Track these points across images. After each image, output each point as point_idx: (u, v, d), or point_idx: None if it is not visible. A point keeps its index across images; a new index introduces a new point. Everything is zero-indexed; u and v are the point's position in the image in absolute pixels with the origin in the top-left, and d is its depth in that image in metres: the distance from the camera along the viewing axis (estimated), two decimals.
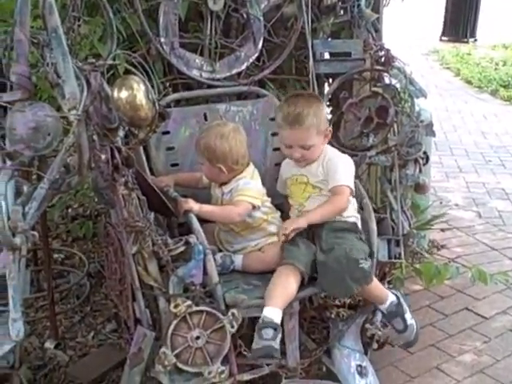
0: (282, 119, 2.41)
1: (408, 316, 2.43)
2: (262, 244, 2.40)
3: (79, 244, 3.41)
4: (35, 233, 1.72)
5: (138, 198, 2.01)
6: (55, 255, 3.36)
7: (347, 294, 2.35)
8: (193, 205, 2.24)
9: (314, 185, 2.43)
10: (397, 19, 12.65)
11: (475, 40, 11.05)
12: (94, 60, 1.87)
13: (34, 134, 1.71)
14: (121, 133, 1.99)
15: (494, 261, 3.59)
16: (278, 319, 2.13)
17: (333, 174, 2.40)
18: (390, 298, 2.41)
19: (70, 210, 3.58)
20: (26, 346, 2.66)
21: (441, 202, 4.32)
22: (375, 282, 2.35)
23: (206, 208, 2.31)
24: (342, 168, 2.41)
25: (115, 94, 1.83)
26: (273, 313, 2.13)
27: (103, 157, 1.79)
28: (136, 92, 1.83)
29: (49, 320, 2.70)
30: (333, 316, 2.81)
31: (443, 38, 11.29)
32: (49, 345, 2.64)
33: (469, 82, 8.35)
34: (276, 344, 2.09)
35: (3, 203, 1.62)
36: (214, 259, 2.27)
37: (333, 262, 2.24)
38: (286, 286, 2.18)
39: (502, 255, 3.66)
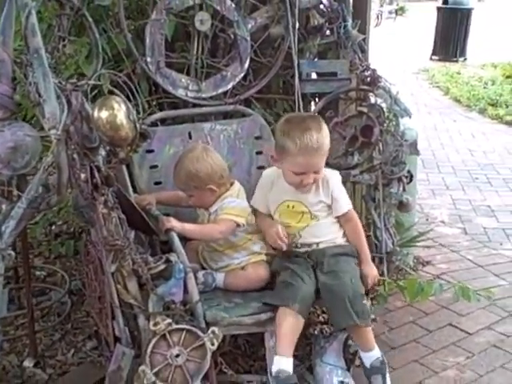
0: (299, 148, 2.25)
1: (388, 379, 2.33)
2: (245, 263, 2.40)
3: (62, 261, 3.39)
4: (11, 252, 1.72)
5: (118, 217, 2.01)
6: (37, 272, 3.34)
7: (348, 324, 2.23)
8: (174, 223, 2.25)
9: (314, 214, 2.38)
10: (388, 39, 12.86)
11: (465, 59, 11.17)
12: (75, 80, 1.88)
13: (13, 153, 1.72)
14: (102, 152, 2.01)
15: (479, 277, 3.59)
16: (291, 369, 2.16)
17: (340, 198, 2.40)
18: (377, 351, 2.32)
19: (53, 228, 3.56)
20: (5, 364, 2.64)
21: (427, 219, 4.34)
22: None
23: (188, 226, 2.32)
24: (342, 188, 2.45)
25: (95, 113, 1.84)
26: (287, 364, 2.16)
27: (83, 176, 1.80)
28: (117, 112, 1.84)
29: (28, 338, 2.68)
30: (316, 332, 2.80)
31: (433, 58, 11.41)
32: (28, 363, 2.61)
33: (458, 101, 8.41)
34: None
35: None
36: (196, 277, 2.30)
37: (338, 288, 2.24)
38: (292, 332, 2.19)
39: (487, 271, 3.67)
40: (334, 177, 2.44)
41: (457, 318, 3.16)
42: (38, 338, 2.82)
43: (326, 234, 2.39)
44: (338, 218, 2.40)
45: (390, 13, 17.05)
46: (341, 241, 2.41)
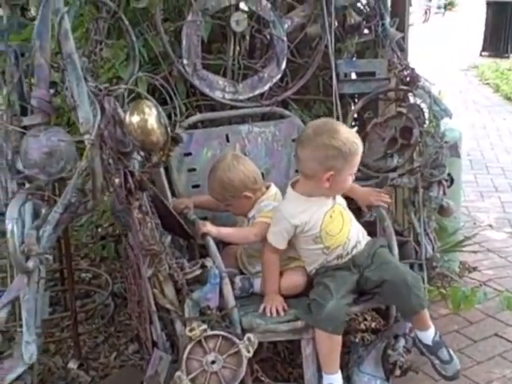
0: (345, 151, 2.14)
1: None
2: (282, 268, 2.35)
3: (107, 264, 3.43)
4: (49, 256, 1.74)
5: (154, 222, 2.01)
6: (82, 275, 3.40)
7: (422, 307, 2.19)
8: (210, 228, 2.24)
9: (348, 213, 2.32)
10: (437, 35, 12.65)
11: None
12: (108, 84, 1.88)
13: (48, 158, 1.74)
14: (138, 157, 2.01)
15: None
16: (341, 382, 2.17)
17: None
18: (433, 328, 2.30)
19: (99, 230, 3.60)
20: (50, 365, 2.69)
21: (474, 223, 4.22)
22: None
23: (224, 230, 2.31)
24: None
25: (127, 118, 1.84)
26: (336, 380, 2.16)
27: (116, 181, 1.80)
28: (147, 116, 1.84)
29: (72, 340, 2.72)
30: (357, 340, 2.75)
31: (483, 54, 11.16)
32: (72, 365, 2.65)
33: (508, 99, 8.20)
34: None
35: (15, 227, 1.65)
36: (234, 282, 2.28)
37: (397, 277, 2.18)
38: (332, 351, 2.17)
39: None
40: None
41: (503, 328, 3.05)
42: (82, 340, 2.87)
43: (358, 231, 2.33)
44: None
45: (439, 8, 16.78)
46: (367, 236, 2.36)
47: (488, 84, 9.12)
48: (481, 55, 11.16)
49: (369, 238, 2.36)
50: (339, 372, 2.19)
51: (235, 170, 2.37)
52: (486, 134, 6.62)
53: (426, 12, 14.41)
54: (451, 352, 2.29)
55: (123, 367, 2.73)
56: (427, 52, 10.67)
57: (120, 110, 1.89)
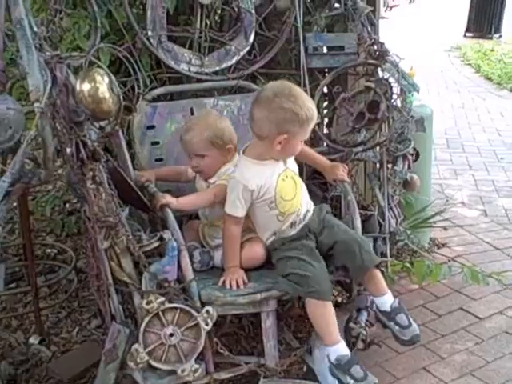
0: (292, 117, 2.13)
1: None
2: (242, 239, 2.34)
3: (73, 240, 3.40)
4: None
5: (111, 194, 1.98)
6: (48, 250, 3.37)
7: (374, 263, 2.23)
8: (170, 199, 2.22)
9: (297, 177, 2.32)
10: (422, 16, 12.60)
11: (500, 36, 10.82)
12: (58, 52, 1.84)
13: None
14: (94, 127, 1.98)
15: (496, 260, 3.49)
16: (348, 351, 2.15)
17: None
18: (390, 294, 2.30)
19: (67, 205, 3.56)
20: (11, 340, 2.67)
21: (447, 200, 4.22)
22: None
23: (183, 199, 2.29)
24: None
25: (77, 86, 1.80)
26: (343, 348, 2.14)
27: (68, 150, 1.77)
28: (98, 84, 1.80)
29: (34, 315, 2.70)
30: None
31: (467, 35, 11.10)
32: (33, 340, 2.63)
33: (489, 79, 8.17)
34: (371, 375, 2.12)
35: None
36: (193, 255, 2.27)
37: (347, 236, 2.24)
38: (330, 319, 2.16)
39: (505, 254, 3.55)
40: None
41: (469, 302, 3.07)
42: (45, 316, 2.85)
43: (307, 199, 2.35)
44: None
45: None
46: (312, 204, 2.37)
47: (470, 64, 9.08)
48: (465, 36, 11.10)
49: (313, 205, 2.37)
50: (343, 341, 2.17)
51: (225, 121, 2.41)
52: (465, 113, 6.62)
53: None
54: (411, 319, 2.28)
55: (85, 342, 2.71)
56: (412, 33, 10.66)
57: (72, 79, 1.84)
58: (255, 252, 2.31)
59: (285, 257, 2.23)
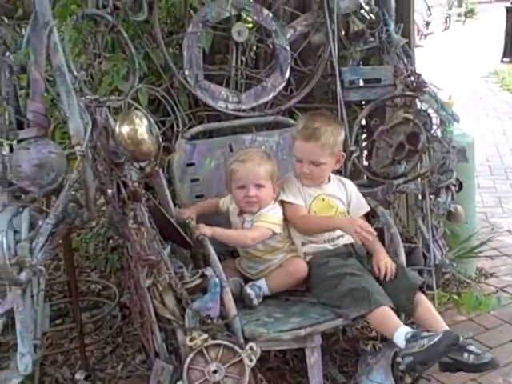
0: (298, 131, 2.44)
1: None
2: (282, 261, 2.40)
3: (117, 276, 3.43)
4: (42, 268, 1.74)
5: (152, 232, 2.01)
6: (92, 286, 3.40)
7: (416, 283, 2.27)
8: (204, 229, 2.26)
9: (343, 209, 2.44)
10: (458, 43, 12.56)
11: None
12: (97, 96, 1.89)
13: (38, 170, 1.75)
14: (134, 168, 2.01)
15: None
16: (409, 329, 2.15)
17: (360, 198, 2.50)
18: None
19: (110, 242, 3.61)
20: (57, 376, 2.69)
21: (492, 229, 4.13)
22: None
23: (219, 231, 2.32)
24: (359, 192, 2.52)
25: (117, 128, 1.85)
26: (407, 328, 2.14)
27: (109, 192, 1.80)
28: (137, 127, 1.83)
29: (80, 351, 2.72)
30: (368, 348, 2.71)
31: (504, 60, 11.03)
32: (79, 376, 2.65)
33: None
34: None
35: (4, 240, 1.65)
36: (248, 293, 2.29)
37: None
38: (390, 315, 2.18)
39: None
40: (349, 182, 2.56)
41: None
42: (90, 351, 2.87)
43: None
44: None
45: (459, 15, 16.65)
46: None
47: (508, 90, 9.01)
48: (502, 61, 11.03)
49: None
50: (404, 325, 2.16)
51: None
52: (506, 139, 6.52)
53: (446, 20, 14.30)
54: (475, 348, 2.17)
55: (130, 378, 2.71)
56: (448, 60, 10.62)
57: (112, 121, 1.89)
58: (296, 265, 2.36)
59: (333, 276, 2.27)
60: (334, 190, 2.48)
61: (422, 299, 2.27)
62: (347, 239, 2.39)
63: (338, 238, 2.40)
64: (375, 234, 2.28)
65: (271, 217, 2.37)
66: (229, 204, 2.48)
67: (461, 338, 2.08)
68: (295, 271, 2.35)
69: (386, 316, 2.16)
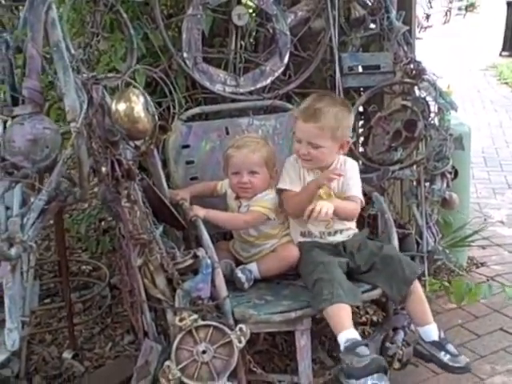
0: (300, 110, 2.38)
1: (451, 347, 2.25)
2: (275, 246, 2.40)
3: (108, 257, 3.43)
4: (33, 244, 1.73)
5: (145, 212, 2.01)
6: (83, 267, 3.41)
7: (411, 277, 2.22)
8: (197, 212, 2.26)
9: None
10: (458, 36, 12.49)
11: None
12: (94, 73, 1.88)
13: (32, 146, 1.73)
14: (129, 146, 2.01)
15: None
16: (359, 337, 2.09)
17: (351, 181, 2.38)
18: (436, 325, 2.26)
19: (102, 223, 3.61)
20: (45, 355, 2.71)
21: (485, 219, 4.15)
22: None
23: (213, 213, 2.33)
24: (358, 181, 2.40)
25: (113, 106, 1.84)
26: (352, 333, 2.08)
27: (103, 169, 1.80)
28: (134, 104, 1.82)
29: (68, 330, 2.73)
30: None
31: (503, 54, 11.00)
32: (66, 355, 2.65)
33: None
34: (380, 357, 2.06)
35: None
36: (239, 277, 2.28)
37: (390, 252, 2.28)
38: (345, 313, 2.11)
39: None
40: (350, 162, 2.44)
41: (509, 323, 2.99)
42: (79, 331, 2.88)
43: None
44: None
45: (460, 9, 16.60)
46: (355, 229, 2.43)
47: (506, 83, 9.01)
48: (501, 55, 11.00)
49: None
50: (353, 329, 2.10)
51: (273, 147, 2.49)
52: (502, 132, 6.54)
53: (446, 14, 14.24)
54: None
55: (117, 358, 2.72)
56: (447, 53, 10.58)
57: (108, 99, 1.88)
58: (289, 250, 2.36)
59: (310, 263, 2.26)
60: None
61: (416, 289, 2.25)
62: (341, 237, 2.37)
63: (334, 233, 2.37)
64: (343, 174, 2.30)
65: (266, 202, 2.37)
66: (226, 187, 2.48)
67: (387, 369, 2.04)
68: (287, 256, 2.35)
69: (339, 314, 2.10)
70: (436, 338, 2.22)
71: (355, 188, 2.38)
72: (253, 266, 2.35)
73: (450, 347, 2.20)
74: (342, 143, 2.36)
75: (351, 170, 2.41)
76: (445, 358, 2.19)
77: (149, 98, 1.91)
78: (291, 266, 2.36)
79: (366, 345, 2.05)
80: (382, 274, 2.25)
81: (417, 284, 2.26)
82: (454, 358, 2.18)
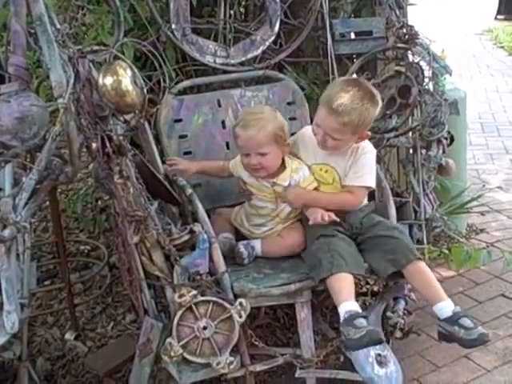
0: (325, 99, 2.20)
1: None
2: (280, 228, 2.34)
3: (106, 236, 3.41)
4: (26, 224, 1.70)
5: (139, 188, 1.97)
6: (81, 247, 3.39)
7: (414, 256, 2.13)
8: (175, 161, 2.35)
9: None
10: (450, 1, 12.36)
11: None
12: (80, 47, 1.83)
13: (20, 124, 1.68)
14: (120, 121, 1.97)
15: None
16: (359, 309, 2.05)
17: (361, 174, 2.27)
18: (450, 301, 2.14)
19: (99, 202, 3.58)
20: (47, 337, 2.70)
21: (483, 185, 4.13)
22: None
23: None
24: (369, 170, 2.30)
25: (100, 80, 1.79)
26: (352, 304, 2.04)
27: (94, 145, 1.76)
28: (121, 78, 1.78)
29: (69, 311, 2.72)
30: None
31: (498, 17, 10.88)
32: (69, 336, 2.66)
33: None
34: (375, 329, 2.02)
35: None
36: (241, 252, 2.24)
37: (390, 231, 2.19)
38: (348, 283, 2.09)
39: None
40: (367, 148, 2.30)
41: (510, 289, 3.00)
42: (80, 312, 2.87)
43: None
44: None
45: None
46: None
47: (502, 47, 8.92)
48: (496, 19, 10.88)
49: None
50: (354, 301, 2.07)
51: (279, 114, 2.35)
52: (499, 96, 6.48)
53: None
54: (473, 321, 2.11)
55: (120, 337, 2.71)
56: (441, 18, 10.47)
57: (95, 73, 1.83)
58: (294, 238, 2.30)
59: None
60: (343, 162, 2.29)
61: (421, 269, 2.16)
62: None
63: None
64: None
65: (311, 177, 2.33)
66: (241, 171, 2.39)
67: (382, 340, 2.01)
68: (293, 245, 2.29)
69: (340, 285, 2.07)
70: (449, 314, 2.10)
71: (363, 178, 2.27)
72: (257, 244, 2.30)
73: (465, 320, 2.07)
74: (362, 136, 2.26)
75: (364, 158, 2.28)
76: (460, 333, 2.07)
77: (136, 71, 1.87)
78: (295, 251, 2.30)
79: (365, 317, 2.02)
80: (376, 250, 2.20)
81: (420, 264, 2.16)
82: (467, 331, 2.05)
